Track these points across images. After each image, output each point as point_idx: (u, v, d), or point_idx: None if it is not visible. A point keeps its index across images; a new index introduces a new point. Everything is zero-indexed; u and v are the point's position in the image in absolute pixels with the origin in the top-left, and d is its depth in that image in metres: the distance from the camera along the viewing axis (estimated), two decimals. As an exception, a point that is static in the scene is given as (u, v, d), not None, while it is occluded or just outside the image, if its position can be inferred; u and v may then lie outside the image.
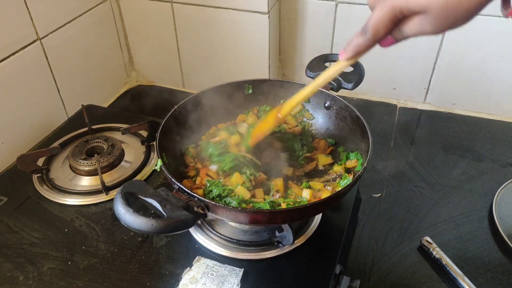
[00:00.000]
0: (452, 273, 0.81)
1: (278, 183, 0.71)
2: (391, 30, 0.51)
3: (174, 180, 0.60)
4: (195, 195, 0.58)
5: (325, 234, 0.77)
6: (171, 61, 1.37)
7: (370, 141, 0.69)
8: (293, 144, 0.80)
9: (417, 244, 0.89)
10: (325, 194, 0.67)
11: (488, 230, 0.92)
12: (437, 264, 0.84)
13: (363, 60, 0.89)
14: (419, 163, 1.10)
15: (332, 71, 0.63)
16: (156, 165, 0.64)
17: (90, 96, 1.24)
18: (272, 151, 0.79)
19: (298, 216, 0.62)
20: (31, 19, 0.99)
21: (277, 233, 0.72)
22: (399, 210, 0.98)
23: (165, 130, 0.74)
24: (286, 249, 0.73)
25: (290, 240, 0.69)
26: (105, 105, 1.33)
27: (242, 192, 0.67)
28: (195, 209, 0.57)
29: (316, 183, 0.73)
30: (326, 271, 0.70)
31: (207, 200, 0.57)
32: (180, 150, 0.80)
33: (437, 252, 0.85)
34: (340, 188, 0.68)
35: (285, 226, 0.69)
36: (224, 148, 0.76)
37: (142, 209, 0.54)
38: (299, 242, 0.74)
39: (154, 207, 0.54)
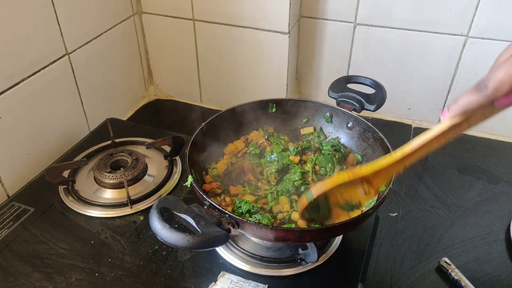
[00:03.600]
0: (471, 295, 0.82)
1: None
2: None
3: (205, 197, 0.61)
4: (226, 211, 0.59)
5: (347, 252, 0.78)
6: (190, 77, 1.40)
7: (394, 162, 0.71)
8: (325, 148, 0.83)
9: (435, 264, 0.90)
10: (354, 213, 0.68)
11: (505, 253, 0.92)
12: (455, 286, 0.85)
13: (380, 81, 0.92)
14: (434, 184, 1.11)
15: (431, 134, 0.54)
16: (187, 182, 0.66)
17: (110, 110, 1.27)
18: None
19: (327, 235, 0.63)
20: (61, 35, 1.02)
21: (300, 251, 0.74)
22: (416, 229, 0.99)
23: (193, 146, 0.76)
24: (309, 266, 0.74)
25: (314, 258, 0.70)
26: (124, 118, 1.35)
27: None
28: (226, 225, 0.59)
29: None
30: (349, 289, 0.72)
31: (238, 217, 0.59)
32: (205, 164, 0.82)
33: (456, 273, 0.85)
34: (366, 208, 0.69)
35: (310, 244, 0.70)
36: None
37: (172, 223, 0.56)
38: (321, 260, 0.75)
39: (189, 223, 0.56)
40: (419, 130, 1.31)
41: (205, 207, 0.60)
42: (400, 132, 1.32)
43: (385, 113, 1.37)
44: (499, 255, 0.92)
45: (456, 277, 0.85)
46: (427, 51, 1.19)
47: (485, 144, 1.25)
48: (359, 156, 0.83)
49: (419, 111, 1.33)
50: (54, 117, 1.05)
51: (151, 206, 0.86)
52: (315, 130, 0.89)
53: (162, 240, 0.52)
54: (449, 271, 0.87)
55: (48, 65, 1.00)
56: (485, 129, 1.28)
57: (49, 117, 1.04)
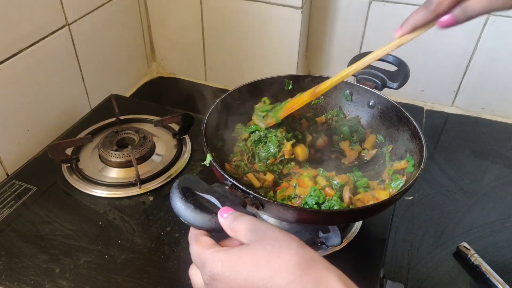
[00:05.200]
0: (493, 281, 0.79)
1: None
2: (454, 5, 0.48)
3: (227, 177, 0.57)
4: (250, 192, 0.55)
5: (367, 237, 0.75)
6: (195, 54, 1.34)
7: (423, 142, 0.67)
8: (342, 129, 0.80)
9: (453, 249, 0.87)
10: (380, 193, 0.65)
11: (525, 238, 0.90)
12: (475, 271, 0.83)
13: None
14: (449, 167, 1.08)
15: (381, 50, 0.59)
16: (205, 161, 0.62)
17: (111, 86, 1.21)
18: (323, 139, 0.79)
19: (356, 217, 0.60)
20: (61, 4, 0.96)
21: (321, 234, 0.70)
22: (433, 214, 0.96)
23: (208, 124, 0.72)
24: (330, 250, 0.71)
25: (337, 241, 0.67)
26: (126, 95, 1.30)
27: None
28: (251, 206, 0.55)
29: (372, 182, 0.70)
30: (372, 274, 0.69)
31: (263, 198, 0.55)
32: (220, 143, 0.77)
33: (476, 258, 0.83)
34: (394, 190, 0.66)
35: (333, 227, 0.66)
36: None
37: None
38: (342, 244, 0.71)
39: (212, 203, 0.52)
40: (431, 113, 1.28)
41: (227, 187, 0.56)
42: (412, 115, 1.28)
43: (396, 94, 1.33)
44: (518, 241, 0.90)
45: (476, 262, 0.83)
46: (446, 30, 1.14)
47: (500, 128, 1.22)
48: (381, 137, 0.79)
49: (432, 93, 1.29)
50: (54, 92, 1.00)
51: (161, 186, 0.83)
52: (327, 117, 0.85)
53: (186, 222, 0.48)
54: (469, 256, 0.84)
55: (47, 36, 0.94)
56: (499, 113, 1.25)
57: (49, 91, 0.98)
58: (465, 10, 0.47)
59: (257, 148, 0.73)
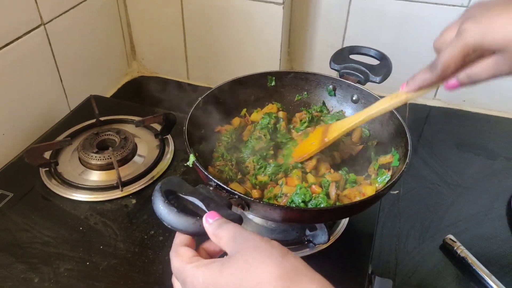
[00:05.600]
0: (479, 272, 0.80)
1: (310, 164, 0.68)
2: (459, 70, 0.49)
3: (211, 177, 0.56)
4: (236, 192, 0.54)
5: (355, 233, 0.74)
6: (176, 52, 1.32)
7: (408, 135, 0.67)
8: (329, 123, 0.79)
9: (440, 242, 0.88)
10: (366, 189, 0.64)
11: (508, 229, 0.91)
12: (462, 263, 0.83)
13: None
14: (433, 161, 1.09)
15: (389, 103, 0.61)
16: (188, 162, 0.60)
17: (91, 87, 1.17)
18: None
19: (343, 214, 0.59)
20: (36, 2, 0.92)
21: (307, 232, 0.69)
22: (418, 208, 0.96)
23: (190, 124, 0.70)
24: (317, 248, 0.70)
25: (324, 239, 0.66)
26: (106, 96, 1.26)
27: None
28: (236, 207, 0.54)
29: (359, 177, 0.70)
30: (360, 271, 0.68)
31: (249, 198, 0.54)
32: (203, 143, 0.75)
33: (462, 250, 0.83)
34: (380, 185, 0.65)
35: (320, 225, 0.66)
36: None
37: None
38: (329, 241, 0.71)
39: (197, 206, 0.50)
40: (415, 106, 1.28)
41: (212, 188, 0.55)
42: (395, 109, 1.28)
43: (380, 88, 1.33)
44: (503, 231, 0.91)
45: (462, 254, 0.83)
46: (426, 24, 1.15)
47: (482, 120, 1.23)
48: (366, 131, 0.79)
49: (415, 87, 1.29)
50: (30, 94, 0.96)
51: (144, 188, 0.81)
52: (310, 112, 0.83)
53: (170, 226, 0.47)
54: (455, 248, 0.85)
55: (21, 36, 0.90)
56: (481, 105, 1.26)
57: (25, 93, 0.95)
58: (470, 77, 0.48)
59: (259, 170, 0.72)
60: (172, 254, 0.46)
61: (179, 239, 0.48)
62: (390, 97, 0.60)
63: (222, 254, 0.48)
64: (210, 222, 0.46)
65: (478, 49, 0.45)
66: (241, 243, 0.42)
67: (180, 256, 0.45)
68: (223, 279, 0.40)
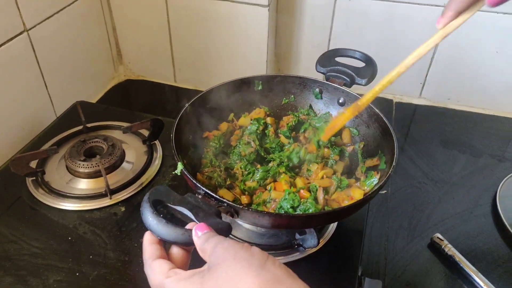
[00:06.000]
0: (466, 270, 0.81)
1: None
2: None
3: (199, 185, 0.56)
4: (224, 200, 0.54)
5: (344, 235, 0.75)
6: (162, 55, 1.31)
7: (394, 138, 0.68)
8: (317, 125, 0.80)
9: (427, 241, 0.89)
10: (354, 192, 0.65)
11: (493, 226, 0.93)
12: (449, 261, 0.84)
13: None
14: (420, 159, 1.10)
15: (424, 45, 0.54)
16: (176, 170, 0.60)
17: (77, 92, 1.17)
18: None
19: (332, 219, 0.60)
20: (18, 9, 0.91)
21: (297, 236, 0.70)
22: (406, 207, 0.97)
23: (178, 130, 0.70)
24: (307, 252, 0.70)
25: (314, 243, 0.67)
26: (92, 101, 1.25)
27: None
28: (225, 215, 0.54)
29: (349, 180, 0.70)
30: (350, 273, 0.69)
31: (238, 205, 0.54)
32: (191, 149, 0.75)
33: (449, 249, 0.85)
34: (367, 188, 0.66)
35: (309, 229, 0.66)
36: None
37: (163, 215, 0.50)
38: (319, 244, 0.71)
39: (185, 215, 0.50)
40: (401, 105, 1.30)
41: (200, 196, 0.55)
42: (381, 108, 1.29)
43: (366, 89, 1.34)
44: (488, 228, 0.92)
45: (449, 253, 0.85)
46: (409, 23, 1.16)
47: (466, 117, 1.25)
48: (355, 130, 0.79)
49: (400, 86, 1.31)
50: (15, 101, 0.95)
51: (133, 195, 0.81)
52: (297, 115, 0.83)
53: (159, 237, 0.47)
54: (442, 247, 0.86)
55: (4, 43, 0.89)
56: (464, 102, 1.28)
57: (10, 101, 0.94)
58: None
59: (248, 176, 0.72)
60: (148, 271, 0.45)
61: (149, 252, 0.47)
62: (425, 43, 0.54)
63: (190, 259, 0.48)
64: (199, 235, 0.46)
65: None
66: (221, 254, 0.42)
67: (156, 271, 0.44)
68: None
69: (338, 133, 0.79)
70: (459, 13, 0.47)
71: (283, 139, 0.79)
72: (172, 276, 0.43)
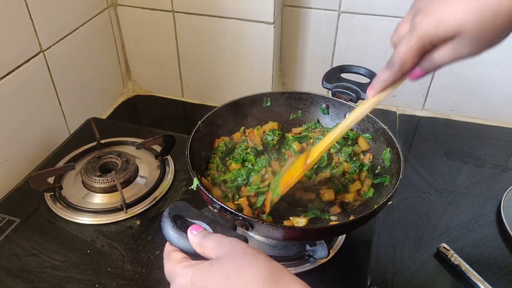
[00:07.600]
0: (472, 279, 0.83)
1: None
2: (419, 62, 0.48)
3: (215, 200, 0.58)
4: (240, 214, 0.57)
5: (353, 246, 0.77)
6: (170, 71, 1.35)
7: (400, 152, 0.70)
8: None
9: (434, 250, 0.91)
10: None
11: (498, 235, 0.95)
12: (456, 271, 0.86)
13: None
14: (424, 170, 1.13)
15: (361, 110, 0.58)
16: (192, 185, 0.63)
17: (88, 109, 1.20)
18: None
19: (345, 230, 0.62)
20: (35, 31, 0.95)
21: (307, 247, 0.72)
22: (412, 217, 1.00)
23: (191, 148, 0.73)
24: (317, 263, 0.73)
25: (324, 253, 0.69)
26: (102, 117, 1.29)
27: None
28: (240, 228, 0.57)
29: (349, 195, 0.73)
30: (360, 283, 0.71)
31: (253, 219, 0.57)
32: (204, 164, 0.78)
33: (455, 258, 0.87)
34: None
35: (319, 241, 0.69)
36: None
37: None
38: (329, 255, 0.74)
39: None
40: (405, 117, 1.33)
41: (216, 210, 0.57)
42: (385, 120, 1.32)
43: (370, 101, 1.37)
44: (493, 237, 0.94)
45: (456, 262, 0.87)
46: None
47: (468, 128, 1.28)
48: (368, 134, 0.81)
49: (404, 98, 1.34)
50: (32, 120, 0.99)
51: (147, 209, 0.83)
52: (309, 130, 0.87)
53: (180, 250, 0.49)
54: (449, 256, 0.88)
55: (22, 64, 0.93)
56: (467, 113, 1.31)
57: (27, 119, 0.97)
58: (432, 62, 0.47)
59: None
60: (165, 260, 0.49)
61: (170, 246, 0.50)
62: (361, 104, 0.58)
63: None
64: (194, 233, 0.49)
65: (434, 39, 0.45)
66: (229, 247, 0.45)
67: (171, 259, 0.48)
68: (211, 278, 0.43)
69: (354, 143, 0.82)
70: (384, 88, 0.53)
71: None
72: (183, 263, 0.46)
